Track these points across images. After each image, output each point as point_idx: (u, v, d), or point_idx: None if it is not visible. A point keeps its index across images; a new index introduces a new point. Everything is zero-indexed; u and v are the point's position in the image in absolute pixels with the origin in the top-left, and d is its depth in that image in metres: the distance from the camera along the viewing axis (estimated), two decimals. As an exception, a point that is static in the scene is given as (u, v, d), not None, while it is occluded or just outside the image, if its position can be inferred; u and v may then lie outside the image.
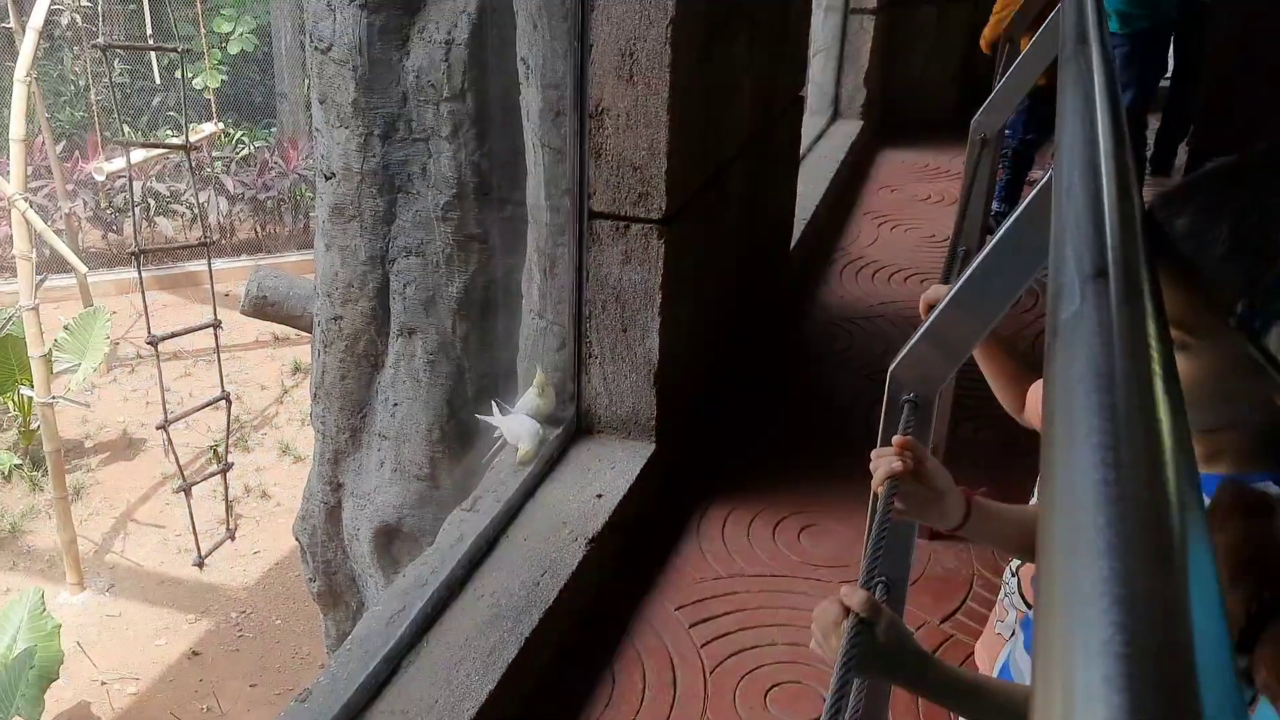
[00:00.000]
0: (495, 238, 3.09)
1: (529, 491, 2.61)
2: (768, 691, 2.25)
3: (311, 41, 3.00)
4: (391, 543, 3.40)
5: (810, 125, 4.30)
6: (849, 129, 5.65)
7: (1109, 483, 0.51)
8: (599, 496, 2.60)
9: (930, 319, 1.27)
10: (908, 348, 1.29)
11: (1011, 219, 1.17)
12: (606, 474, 2.69)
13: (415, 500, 3.32)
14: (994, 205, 4.21)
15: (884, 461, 1.21)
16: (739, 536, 2.73)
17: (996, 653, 1.62)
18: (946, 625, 2.46)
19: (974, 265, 1.22)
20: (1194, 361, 1.03)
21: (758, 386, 3.39)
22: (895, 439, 1.22)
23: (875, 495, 1.31)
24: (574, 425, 2.83)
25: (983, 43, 4.37)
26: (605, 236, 2.60)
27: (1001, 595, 1.67)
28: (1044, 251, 1.20)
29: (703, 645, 2.38)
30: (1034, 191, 1.15)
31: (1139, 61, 4.33)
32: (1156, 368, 0.67)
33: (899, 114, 6.06)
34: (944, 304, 1.25)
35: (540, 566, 2.36)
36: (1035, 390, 1.75)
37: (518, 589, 2.29)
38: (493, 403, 2.79)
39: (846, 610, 1.10)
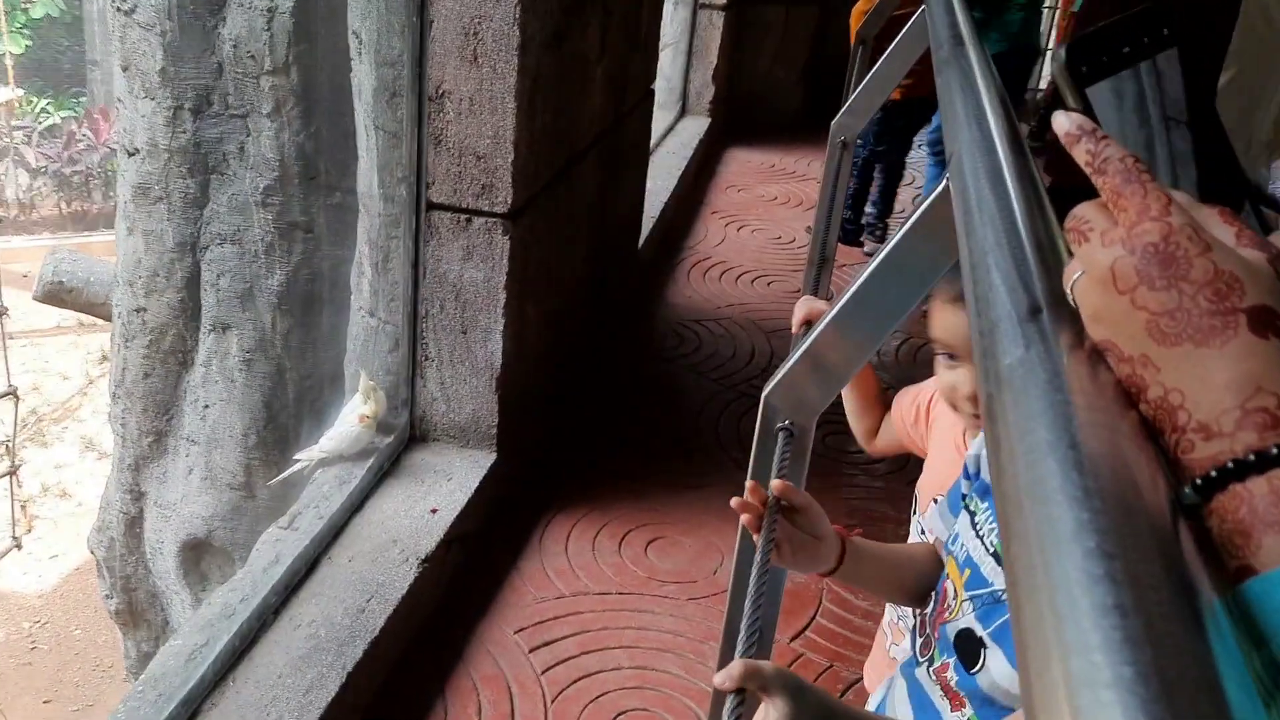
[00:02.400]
0: (321, 227, 2.84)
1: (355, 506, 2.39)
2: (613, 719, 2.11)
3: (114, 2, 2.68)
4: (201, 557, 3.11)
5: (658, 120, 4.19)
6: (697, 126, 5.57)
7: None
8: (434, 511, 2.40)
9: (808, 340, 1.15)
10: (783, 371, 1.16)
11: (902, 232, 1.05)
12: (442, 486, 2.49)
13: (227, 511, 3.03)
14: (843, 214, 4.18)
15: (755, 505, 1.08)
16: (583, 551, 2.58)
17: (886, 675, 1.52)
18: (796, 643, 2.38)
19: (858, 282, 1.10)
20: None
21: (604, 391, 3.25)
22: (774, 484, 1.09)
23: (744, 533, 1.19)
24: (406, 433, 2.62)
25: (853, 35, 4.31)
26: (445, 230, 2.40)
27: (894, 617, 1.57)
28: (936, 269, 1.09)
29: (543, 671, 2.22)
30: (924, 205, 1.03)
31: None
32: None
33: (746, 112, 6.02)
34: (823, 324, 1.13)
35: (366, 590, 2.15)
36: (896, 418, 1.67)
37: (340, 617, 2.07)
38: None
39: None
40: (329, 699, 1.88)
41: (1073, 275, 0.62)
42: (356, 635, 2.03)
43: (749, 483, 1.12)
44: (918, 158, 5.09)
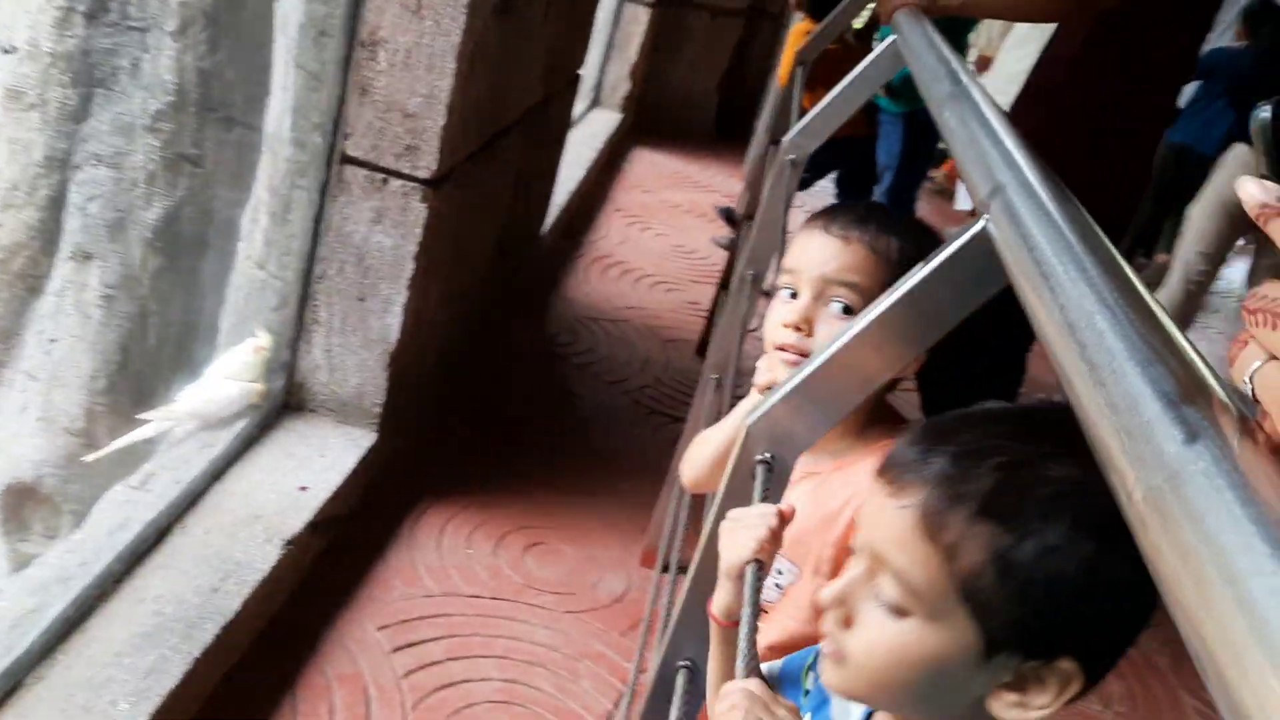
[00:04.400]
0: (215, 163, 2.60)
1: (217, 473, 2.18)
2: (477, 736, 1.97)
3: (10, -122, 2.38)
4: (24, 504, 2.80)
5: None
6: (608, 119, 5.45)
7: None
8: (303, 489, 2.21)
9: (805, 370, 1.05)
10: (771, 402, 1.06)
11: (929, 268, 0.97)
12: (315, 463, 2.30)
13: (61, 458, 2.75)
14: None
15: (750, 531, 0.95)
16: (457, 549, 2.42)
17: None
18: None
19: (871, 315, 1.01)
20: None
21: (496, 384, 3.10)
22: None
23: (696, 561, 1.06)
24: (281, 401, 2.42)
25: (781, 77, 4.24)
26: (357, 188, 2.22)
27: None
28: (962, 306, 1.00)
29: (405, 675, 2.06)
30: (957, 241, 0.94)
31: (915, 142, 3.89)
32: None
33: (658, 114, 5.93)
34: (825, 356, 1.03)
35: (223, 569, 1.95)
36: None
37: (191, 595, 1.87)
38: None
39: None
40: (172, 684, 1.68)
41: (1253, 362, 0.54)
42: (208, 616, 1.83)
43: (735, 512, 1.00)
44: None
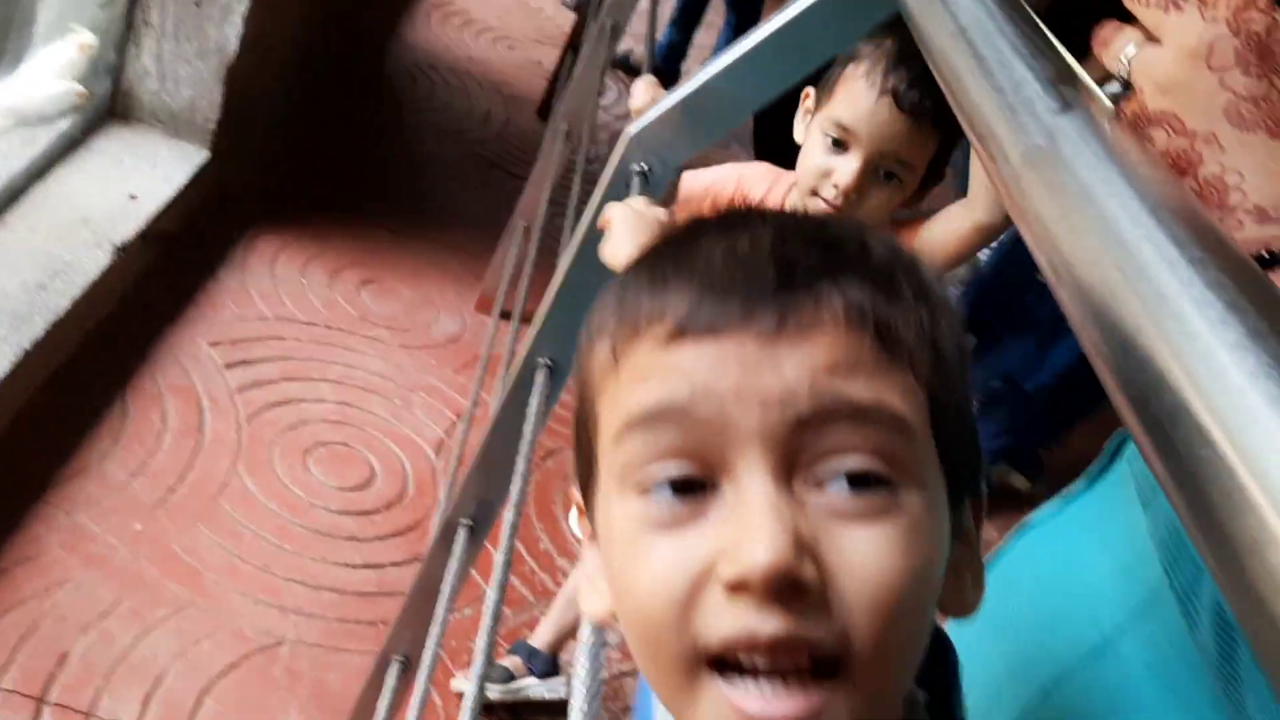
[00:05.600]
0: None
1: (38, 173, 2.07)
2: (310, 450, 2.03)
3: None
4: None
5: None
6: None
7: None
8: (133, 198, 2.13)
9: (692, 85, 1.10)
10: (656, 113, 1.11)
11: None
12: (145, 173, 2.21)
13: None
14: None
15: (646, 223, 0.98)
16: (292, 278, 2.41)
17: None
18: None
19: (770, 27, 1.06)
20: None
21: (334, 118, 3.00)
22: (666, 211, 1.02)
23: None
24: (107, 107, 2.28)
25: None
26: (202, -122, 2.06)
27: None
28: (868, 20, 1.07)
29: (239, 390, 2.09)
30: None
31: None
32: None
33: None
34: (717, 70, 1.08)
35: (50, 268, 1.89)
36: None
37: (17, 290, 1.81)
38: None
39: None
40: (0, 376, 1.65)
41: (1127, 43, 0.62)
42: (36, 312, 1.79)
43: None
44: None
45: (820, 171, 1.20)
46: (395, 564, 1.89)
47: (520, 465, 1.11)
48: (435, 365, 2.37)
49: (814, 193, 1.21)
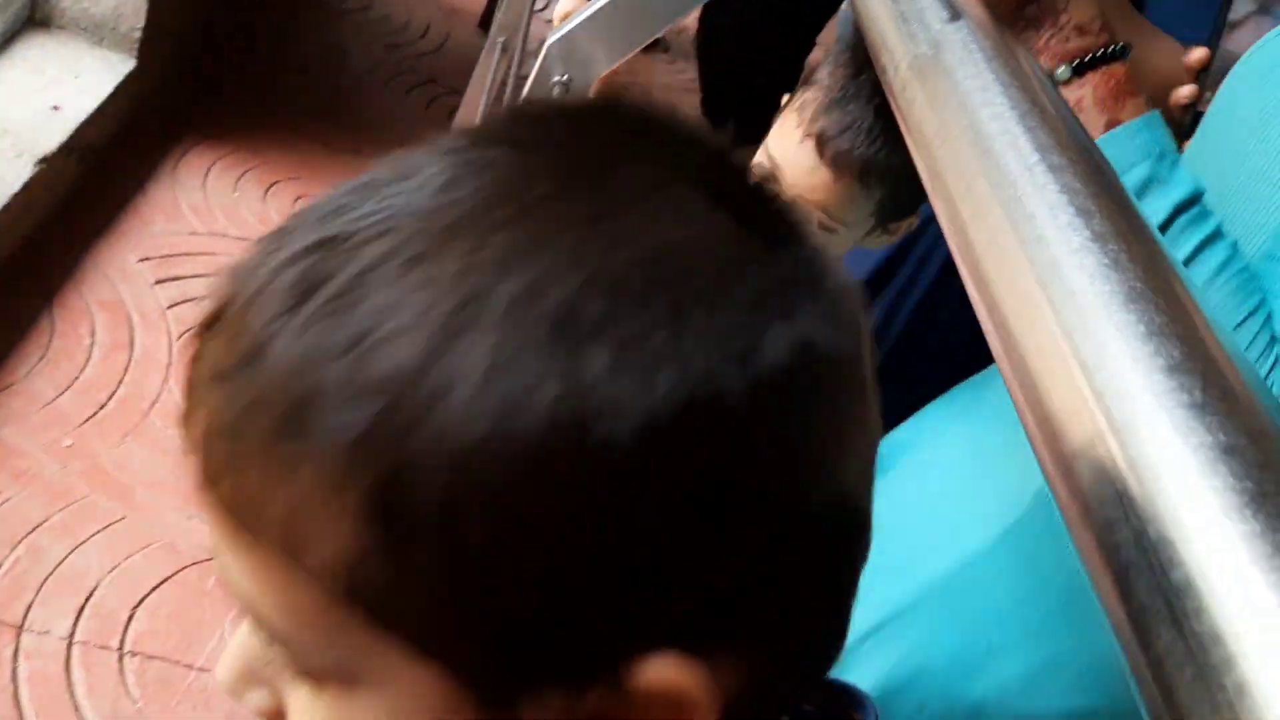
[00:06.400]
0: None
1: (-46, 81, 2.01)
2: (244, 368, 2.02)
3: None
4: None
5: None
6: None
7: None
8: (55, 109, 2.08)
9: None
10: (572, 24, 1.11)
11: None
12: (67, 83, 2.15)
13: None
14: None
15: None
16: (224, 191, 2.37)
17: None
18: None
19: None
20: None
21: (262, 27, 2.92)
22: None
23: None
24: (26, 14, 2.21)
25: None
26: None
27: None
28: None
29: (169, 306, 2.06)
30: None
31: None
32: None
33: None
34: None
35: (-32, 179, 1.84)
36: None
37: (-66, 202, 1.77)
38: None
39: None
40: (-83, 290, 1.62)
41: None
42: (-46, 227, 1.75)
43: None
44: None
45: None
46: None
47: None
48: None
49: None
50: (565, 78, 1.12)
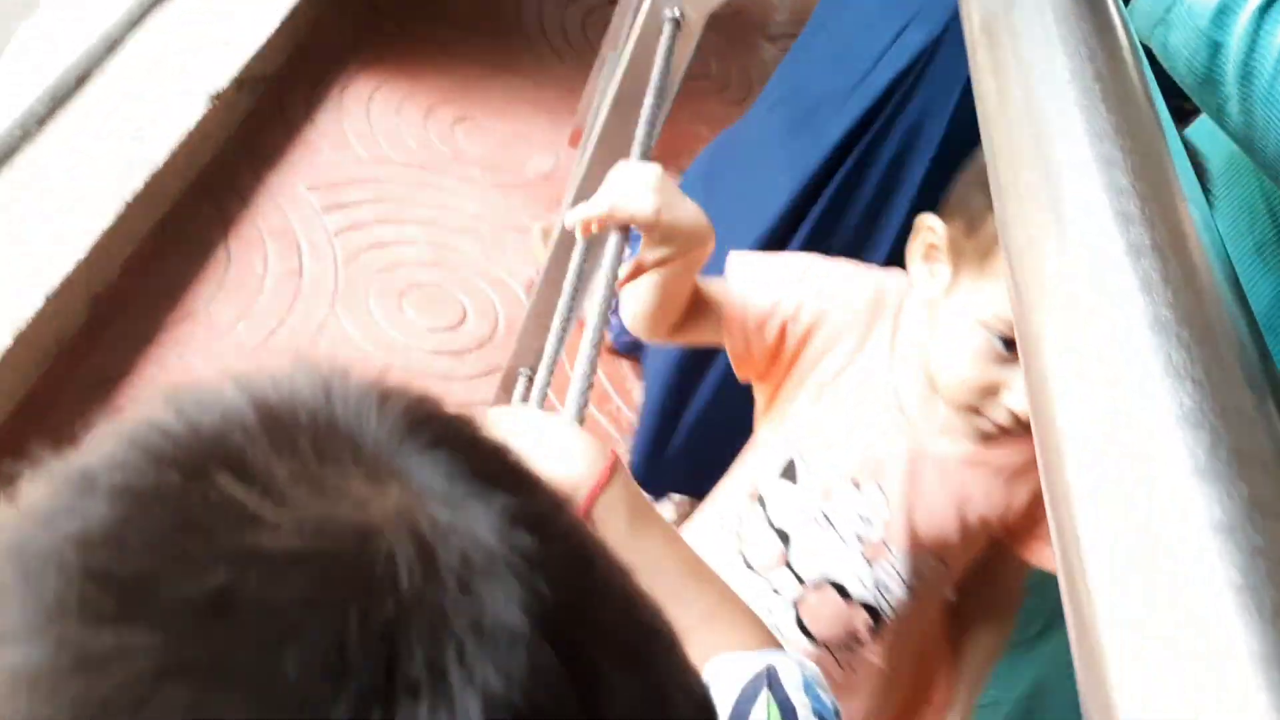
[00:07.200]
0: None
1: (133, 21, 2.11)
2: (405, 292, 2.10)
3: None
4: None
5: None
6: None
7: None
8: (226, 44, 2.16)
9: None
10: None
11: None
12: (237, 16, 2.23)
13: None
14: None
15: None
16: (387, 117, 2.43)
17: None
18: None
19: None
20: None
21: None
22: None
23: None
24: (197, -52, 2.29)
25: None
26: None
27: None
28: None
29: (337, 234, 2.15)
30: None
31: None
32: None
33: None
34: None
35: (149, 117, 1.95)
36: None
37: (117, 142, 1.89)
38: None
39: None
40: (103, 228, 1.74)
41: None
42: (135, 164, 1.86)
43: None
44: None
45: (982, 387, 0.88)
46: (486, 403, 1.96)
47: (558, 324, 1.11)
48: (529, 204, 2.38)
49: (974, 410, 0.90)
50: (677, 13, 1.08)
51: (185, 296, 1.91)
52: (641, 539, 0.63)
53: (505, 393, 1.42)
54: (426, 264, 2.16)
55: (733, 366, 0.98)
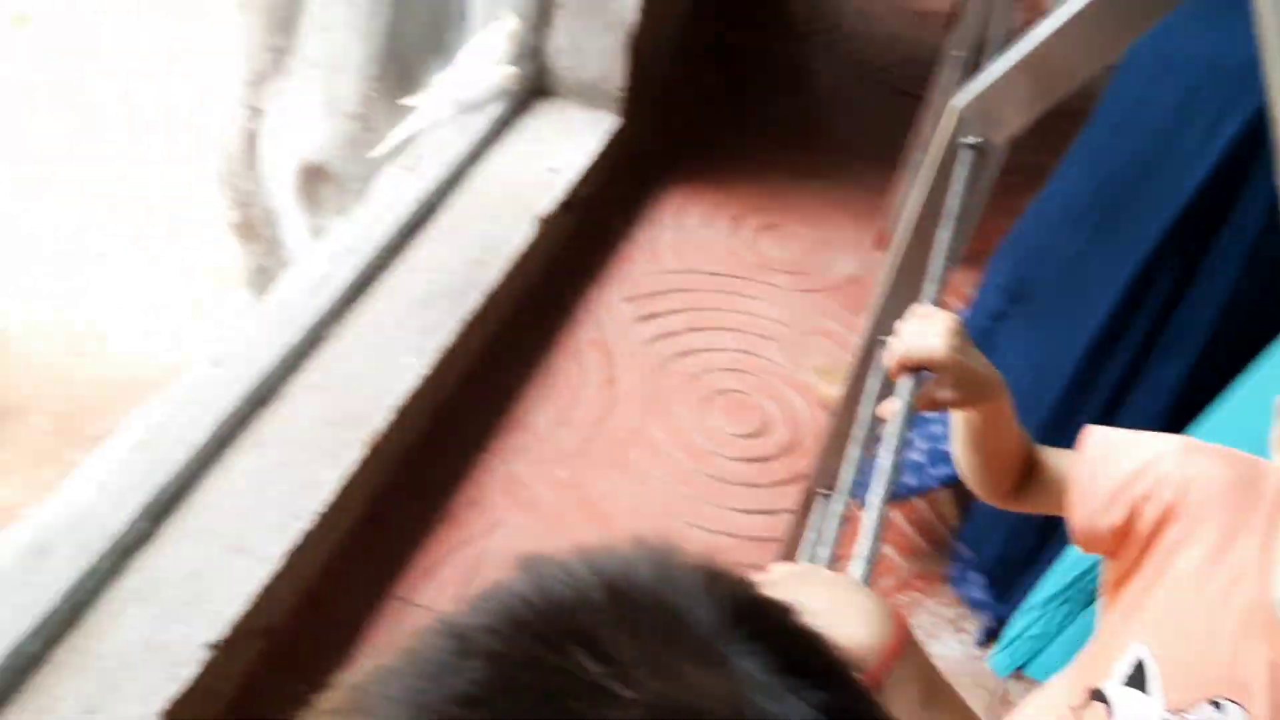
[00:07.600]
0: None
1: (475, 155, 2.35)
2: (711, 398, 2.16)
3: None
4: (316, 184, 3.13)
5: None
6: None
7: None
8: (552, 170, 2.35)
9: (1027, 45, 1.03)
10: (991, 78, 1.05)
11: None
12: (563, 145, 2.43)
13: (344, 140, 3.01)
14: None
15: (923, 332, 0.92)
16: (697, 228, 2.54)
17: None
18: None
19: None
20: None
21: (732, 62, 3.07)
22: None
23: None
24: (529, 85, 2.52)
25: None
26: None
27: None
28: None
29: (648, 342, 2.26)
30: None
31: None
32: None
33: None
34: (1052, 26, 1.00)
35: (484, 243, 2.15)
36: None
37: (458, 265, 2.09)
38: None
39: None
40: (444, 343, 1.93)
41: None
42: (472, 285, 2.06)
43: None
44: None
45: None
46: (789, 510, 1.97)
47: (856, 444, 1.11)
48: (833, 308, 2.39)
49: None
50: (977, 140, 1.07)
51: (511, 407, 2.06)
52: (936, 714, 0.63)
53: (803, 513, 1.43)
54: (732, 371, 2.22)
55: (1074, 539, 0.92)
